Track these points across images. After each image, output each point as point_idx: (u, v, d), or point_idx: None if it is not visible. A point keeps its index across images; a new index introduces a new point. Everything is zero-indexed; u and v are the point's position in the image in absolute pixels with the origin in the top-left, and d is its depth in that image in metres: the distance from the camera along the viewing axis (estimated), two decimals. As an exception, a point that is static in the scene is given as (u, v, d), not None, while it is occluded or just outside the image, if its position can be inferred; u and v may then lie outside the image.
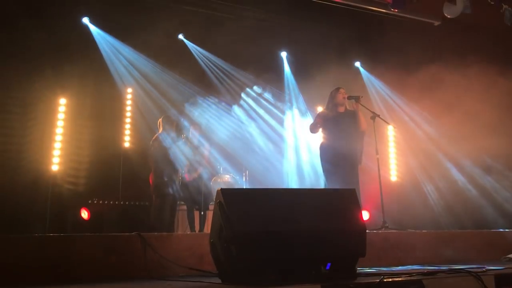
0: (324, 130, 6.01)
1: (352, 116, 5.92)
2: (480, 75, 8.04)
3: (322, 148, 5.99)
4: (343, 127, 5.84)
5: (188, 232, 6.81)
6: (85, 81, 7.26)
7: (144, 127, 7.54)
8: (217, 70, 8.56)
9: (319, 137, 6.15)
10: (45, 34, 7.11)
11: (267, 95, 8.78)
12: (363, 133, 5.93)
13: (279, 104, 8.91)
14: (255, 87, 8.59)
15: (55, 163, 7.19)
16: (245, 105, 8.62)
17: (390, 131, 9.24)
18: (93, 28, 7.81)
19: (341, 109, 5.99)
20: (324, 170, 5.96)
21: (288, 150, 8.74)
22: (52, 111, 7.37)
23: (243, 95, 8.62)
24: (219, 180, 7.29)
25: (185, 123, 7.35)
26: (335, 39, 8.57)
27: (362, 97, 5.98)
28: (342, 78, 7.83)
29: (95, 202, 7.32)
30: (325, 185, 5.95)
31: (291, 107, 9.05)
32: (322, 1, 7.57)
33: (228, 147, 7.89)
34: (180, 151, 6.85)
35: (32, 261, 3.42)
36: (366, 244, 2.99)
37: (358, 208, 3.10)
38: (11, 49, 6.79)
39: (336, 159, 5.74)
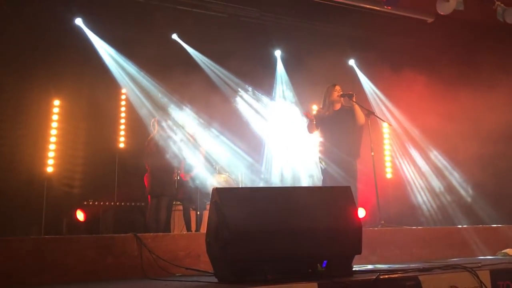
0: (322, 129, 6.02)
1: (348, 112, 5.94)
2: (473, 71, 8.09)
3: (321, 146, 6.02)
4: (340, 125, 5.85)
5: (184, 232, 6.80)
6: (79, 82, 7.25)
7: (138, 128, 7.52)
8: (211, 70, 8.54)
9: (317, 135, 6.16)
10: (38, 35, 7.09)
11: (261, 93, 8.79)
12: (361, 127, 5.96)
13: (273, 102, 8.91)
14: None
15: (50, 164, 7.18)
16: (240, 103, 8.62)
17: (385, 129, 9.27)
18: (86, 29, 7.77)
19: (337, 106, 6.01)
20: (323, 168, 5.98)
21: (282, 147, 8.73)
22: (46, 112, 7.36)
23: (237, 93, 8.61)
24: (215, 179, 7.28)
25: (180, 122, 7.35)
26: (329, 37, 8.58)
27: (355, 94, 5.99)
28: (337, 76, 7.84)
29: (90, 203, 7.30)
30: (324, 182, 5.97)
31: (284, 105, 9.04)
32: (316, -1, 7.58)
33: (223, 146, 7.88)
34: (175, 151, 6.84)
35: (28, 263, 3.41)
36: (362, 241, 3.00)
37: (354, 206, 3.10)
38: (4, 51, 6.76)
39: (335, 156, 5.77)
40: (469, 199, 8.35)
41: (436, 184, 8.64)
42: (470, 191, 8.42)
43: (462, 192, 8.47)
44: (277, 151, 8.67)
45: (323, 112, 6.03)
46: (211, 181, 7.21)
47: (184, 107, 7.81)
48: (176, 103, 7.77)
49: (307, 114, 5.97)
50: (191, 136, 7.30)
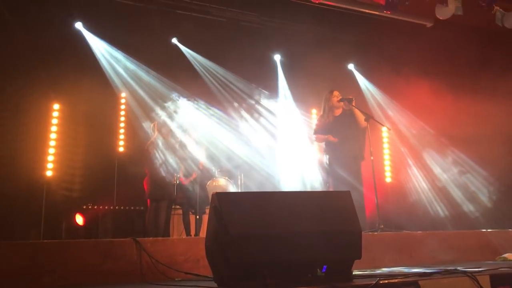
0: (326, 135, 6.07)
1: (349, 115, 5.98)
2: (472, 75, 8.10)
3: (326, 152, 6.05)
4: (343, 129, 5.90)
5: (184, 237, 6.79)
6: (78, 86, 7.23)
7: (138, 132, 7.51)
8: (211, 74, 8.55)
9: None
10: (38, 39, 7.09)
11: (260, 97, 8.79)
12: (364, 129, 5.99)
13: (272, 107, 8.91)
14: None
15: (49, 168, 7.16)
16: (240, 108, 8.62)
17: (384, 133, 9.26)
18: (86, 33, 7.78)
19: (337, 112, 6.04)
20: (329, 173, 6.01)
21: (281, 152, 8.73)
22: (46, 116, 7.35)
23: (237, 98, 8.61)
24: (214, 184, 7.26)
25: (180, 126, 7.35)
26: (329, 42, 8.59)
27: (354, 99, 6.01)
28: (337, 81, 7.86)
29: (90, 207, 7.29)
30: (334, 187, 5.99)
31: (284, 110, 9.04)
32: (315, 4, 7.58)
33: (223, 150, 7.88)
34: (175, 155, 6.84)
35: (27, 268, 3.39)
36: (361, 246, 2.99)
37: (354, 210, 3.10)
38: (3, 55, 6.76)
39: (340, 161, 5.80)
40: (489, 204, 8.25)
41: (454, 190, 8.62)
42: (491, 195, 8.33)
43: (483, 197, 8.40)
44: (282, 154, 8.67)
45: (323, 121, 6.07)
46: (211, 185, 7.21)
47: (184, 110, 7.82)
48: (176, 107, 7.77)
49: (330, 137, 5.98)
50: (191, 140, 7.30)
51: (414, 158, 8.90)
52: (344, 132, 5.89)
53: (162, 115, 7.42)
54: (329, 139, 5.99)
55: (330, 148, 6.04)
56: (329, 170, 6.03)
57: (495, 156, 7.85)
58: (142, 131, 7.39)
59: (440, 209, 8.48)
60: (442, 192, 8.59)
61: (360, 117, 5.94)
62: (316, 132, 6.21)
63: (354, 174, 5.83)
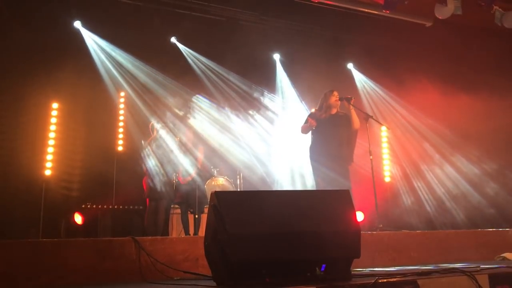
0: (315, 131, 6.00)
1: (343, 118, 5.94)
2: (472, 74, 8.10)
3: (312, 149, 5.99)
4: (334, 129, 5.86)
5: (183, 236, 6.79)
6: (77, 85, 7.22)
7: (137, 131, 7.51)
8: (210, 73, 8.55)
9: (308, 137, 6.13)
10: (37, 38, 7.08)
11: (260, 97, 8.79)
12: (355, 132, 5.95)
13: (271, 106, 8.91)
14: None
15: (48, 167, 7.15)
16: (239, 107, 8.62)
17: (383, 132, 9.27)
18: (85, 32, 7.78)
19: (333, 111, 6.01)
20: (314, 171, 5.96)
21: (280, 151, 8.73)
22: (45, 115, 7.33)
23: (236, 97, 8.61)
24: (213, 183, 7.27)
25: (178, 125, 7.35)
26: (328, 41, 8.60)
27: (353, 98, 6.00)
28: (336, 80, 7.86)
29: (88, 206, 7.28)
30: (316, 185, 5.95)
31: (283, 109, 9.05)
32: (314, 3, 7.58)
33: (222, 149, 7.88)
34: (173, 154, 6.84)
35: (25, 267, 3.40)
36: (360, 245, 2.99)
37: (352, 209, 3.10)
38: (2, 53, 6.75)
39: (326, 160, 5.75)
40: None
41: (437, 186, 8.61)
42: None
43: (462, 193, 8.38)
44: (281, 153, 8.67)
45: (319, 115, 6.03)
46: (209, 185, 7.21)
47: (183, 109, 7.82)
48: (175, 106, 7.77)
49: (312, 121, 5.93)
50: (190, 139, 7.29)
51: (416, 157, 8.90)
52: (334, 132, 5.82)
53: (161, 114, 7.42)
54: (311, 124, 5.90)
55: (315, 146, 5.96)
56: (313, 167, 5.96)
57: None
58: (141, 130, 7.39)
59: (438, 208, 8.47)
60: (441, 192, 8.59)
61: (355, 119, 5.88)
62: (305, 122, 6.12)
63: (340, 173, 5.76)
